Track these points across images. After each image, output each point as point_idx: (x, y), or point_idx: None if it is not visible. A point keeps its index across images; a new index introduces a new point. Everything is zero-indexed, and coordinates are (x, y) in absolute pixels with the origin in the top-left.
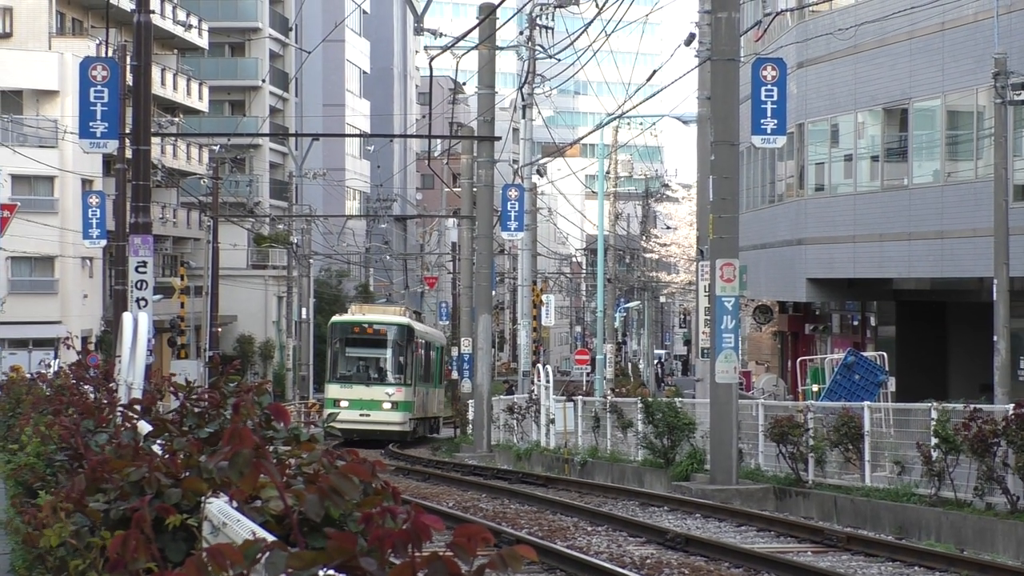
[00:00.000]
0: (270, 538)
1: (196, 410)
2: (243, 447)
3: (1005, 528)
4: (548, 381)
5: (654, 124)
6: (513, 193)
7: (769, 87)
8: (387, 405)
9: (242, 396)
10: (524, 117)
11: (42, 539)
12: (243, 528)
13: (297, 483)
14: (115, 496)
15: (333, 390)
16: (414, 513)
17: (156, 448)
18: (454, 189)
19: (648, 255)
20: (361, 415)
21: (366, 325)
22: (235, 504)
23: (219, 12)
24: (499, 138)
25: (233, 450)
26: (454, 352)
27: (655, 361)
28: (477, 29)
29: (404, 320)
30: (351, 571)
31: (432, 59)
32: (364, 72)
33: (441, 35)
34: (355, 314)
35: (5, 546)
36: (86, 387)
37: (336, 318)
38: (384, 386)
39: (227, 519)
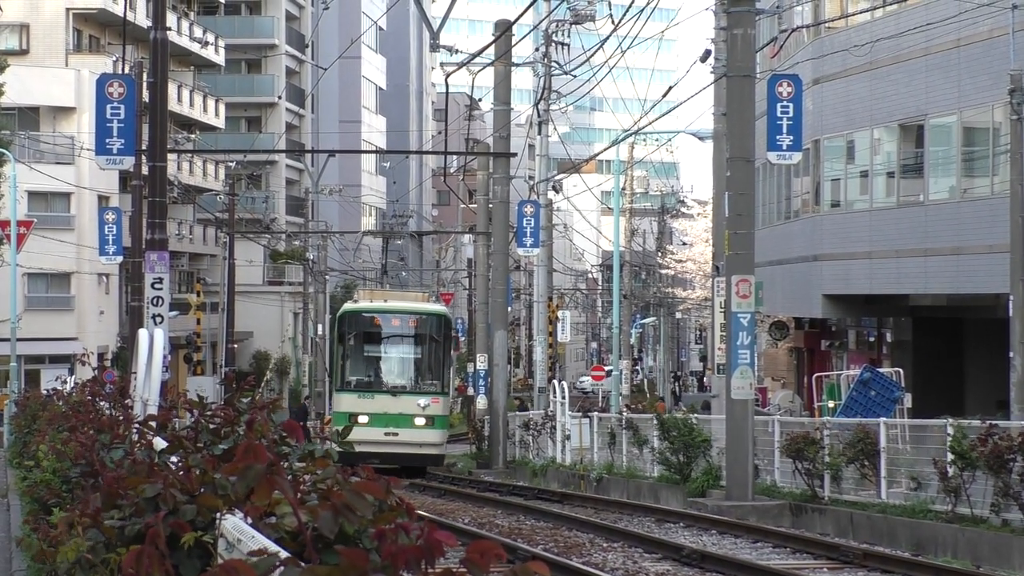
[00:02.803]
0: (284, 554)
1: (211, 426)
2: (257, 463)
3: (1022, 544)
4: (564, 397)
5: (670, 140)
6: (529, 209)
7: (785, 103)
8: (420, 421)
9: (256, 412)
10: (540, 133)
11: (58, 555)
12: (257, 545)
13: (311, 499)
14: (130, 512)
15: (346, 401)
16: (427, 529)
17: (171, 464)
18: (470, 205)
19: (664, 271)
20: (387, 434)
21: (392, 315)
22: (250, 520)
23: (236, 29)
24: (515, 154)
25: (245, 464)
26: (469, 368)
27: (671, 378)
28: (493, 46)
29: (440, 308)
30: None
31: (448, 75)
32: (380, 88)
33: (457, 52)
34: (373, 300)
35: (21, 563)
36: (102, 403)
37: (349, 306)
38: (417, 395)
39: (242, 535)
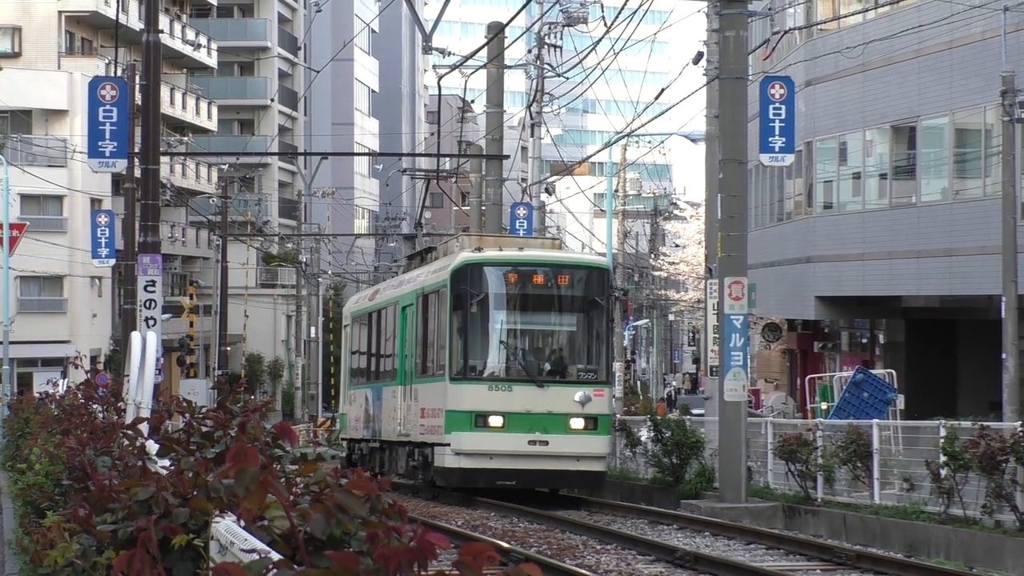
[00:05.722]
0: (276, 557)
1: (203, 429)
2: (248, 465)
3: (1014, 545)
4: None
5: (662, 142)
6: (522, 211)
7: (777, 105)
8: (578, 423)
9: (247, 415)
10: (532, 135)
11: (46, 560)
12: (250, 547)
13: (304, 502)
14: (122, 516)
15: (469, 395)
16: (420, 531)
17: (163, 467)
18: (463, 208)
19: (657, 273)
20: (531, 443)
21: (535, 269)
22: (243, 523)
23: (228, 32)
24: (508, 156)
25: (237, 467)
26: None
27: (668, 385)
28: (485, 48)
29: (599, 260)
30: None
31: (441, 78)
32: (373, 91)
33: (450, 54)
34: (503, 248)
35: (13, 566)
36: (95, 407)
37: (470, 256)
38: (573, 386)
39: (234, 538)
